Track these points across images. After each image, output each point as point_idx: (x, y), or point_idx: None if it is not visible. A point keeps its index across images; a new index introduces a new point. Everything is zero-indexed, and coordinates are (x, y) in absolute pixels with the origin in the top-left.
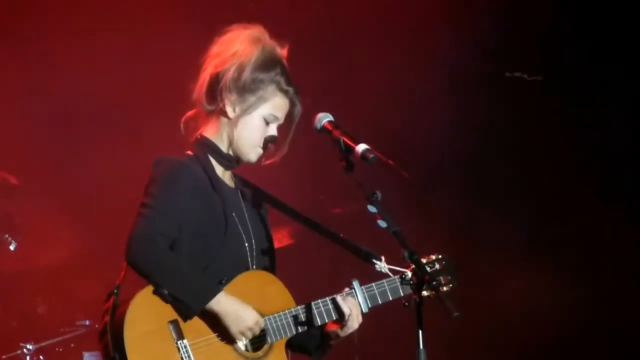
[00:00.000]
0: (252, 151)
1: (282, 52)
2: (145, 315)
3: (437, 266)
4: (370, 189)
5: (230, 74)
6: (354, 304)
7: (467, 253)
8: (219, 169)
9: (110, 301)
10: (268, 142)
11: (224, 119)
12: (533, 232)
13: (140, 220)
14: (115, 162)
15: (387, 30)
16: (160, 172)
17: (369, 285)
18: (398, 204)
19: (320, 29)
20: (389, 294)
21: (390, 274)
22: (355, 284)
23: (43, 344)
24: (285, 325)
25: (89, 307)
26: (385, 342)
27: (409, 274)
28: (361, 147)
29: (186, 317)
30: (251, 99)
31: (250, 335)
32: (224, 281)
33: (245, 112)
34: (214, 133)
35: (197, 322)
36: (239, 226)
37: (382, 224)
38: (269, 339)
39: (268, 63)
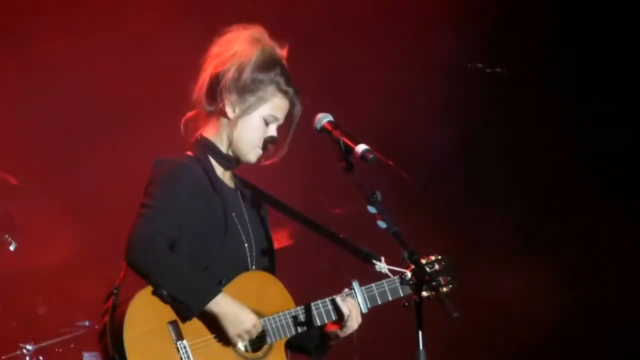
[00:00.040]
0: (251, 152)
1: (282, 52)
2: (145, 315)
3: (437, 267)
4: (370, 189)
5: (230, 75)
6: (354, 305)
7: (467, 253)
8: (218, 170)
9: (109, 301)
10: (268, 142)
11: (224, 120)
12: (533, 232)
13: (140, 221)
14: (115, 162)
15: (387, 30)
16: (160, 172)
17: (369, 285)
18: (397, 204)
19: (320, 29)
20: (388, 294)
21: (389, 274)
22: (355, 284)
23: (43, 344)
24: (285, 326)
25: (88, 307)
26: (385, 342)
27: (409, 274)
28: (361, 148)
29: (185, 317)
30: (251, 99)
31: (247, 338)
32: (223, 282)
33: (245, 112)
34: (214, 133)
35: (196, 323)
36: (239, 227)
37: (382, 224)
38: (268, 340)
39: (268, 63)
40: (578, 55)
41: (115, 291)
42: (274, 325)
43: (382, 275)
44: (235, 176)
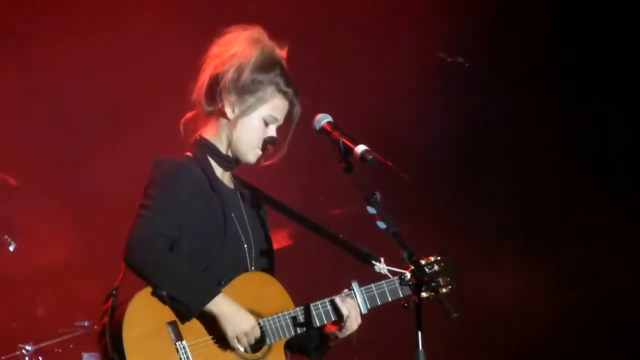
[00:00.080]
0: (251, 152)
1: (282, 53)
2: (144, 316)
3: (436, 268)
4: (369, 190)
5: (229, 75)
6: (353, 305)
7: (466, 253)
8: (218, 170)
9: (109, 302)
10: (267, 143)
11: (223, 120)
12: (533, 232)
13: (139, 222)
14: (115, 162)
15: (386, 30)
16: (159, 173)
17: (368, 286)
18: (397, 204)
19: (320, 29)
20: (388, 295)
21: (389, 275)
22: (355, 285)
23: (42, 344)
24: (284, 327)
25: (88, 308)
26: (384, 343)
27: (408, 275)
28: (360, 148)
29: (185, 318)
30: (250, 100)
31: (245, 340)
32: (222, 282)
33: (244, 113)
34: (213, 134)
35: (195, 324)
36: (238, 227)
37: (382, 225)
38: (267, 340)
39: (267, 64)
40: (578, 55)
41: (114, 292)
42: (273, 326)
43: (381, 276)
44: (234, 177)
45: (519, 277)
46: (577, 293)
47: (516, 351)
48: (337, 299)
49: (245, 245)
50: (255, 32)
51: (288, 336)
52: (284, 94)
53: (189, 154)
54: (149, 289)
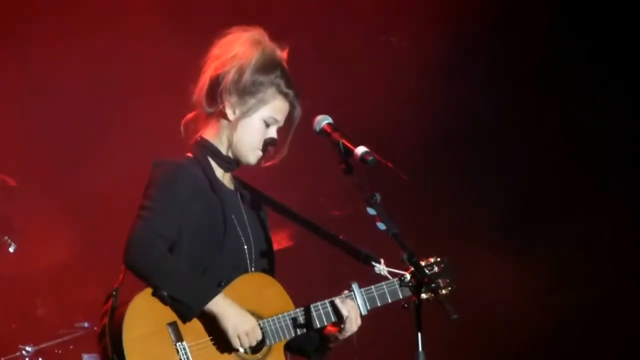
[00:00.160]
0: (251, 153)
1: (282, 54)
2: (144, 317)
3: (436, 269)
4: (369, 191)
5: (230, 77)
6: (353, 307)
7: (467, 253)
8: (218, 171)
9: (109, 303)
10: (268, 144)
11: (224, 121)
12: (532, 232)
13: (138, 223)
14: (115, 163)
15: (386, 31)
16: (159, 174)
17: (368, 287)
18: (397, 205)
19: (320, 29)
20: (388, 296)
21: (389, 276)
22: (355, 286)
23: (42, 345)
24: (284, 328)
25: (88, 309)
26: (384, 344)
27: (408, 276)
28: (360, 150)
29: (186, 318)
30: (251, 101)
31: (246, 340)
32: (222, 283)
33: (245, 114)
34: (214, 135)
35: (195, 325)
36: (238, 228)
37: (381, 226)
38: (267, 341)
39: (268, 65)
40: (578, 55)
41: (114, 293)
42: (273, 327)
43: (381, 277)
44: (235, 178)
45: (519, 277)
46: (577, 293)
47: (516, 351)
48: (337, 300)
49: (245, 247)
50: (256, 33)
51: (288, 337)
52: (285, 95)
53: (189, 154)
54: (149, 290)
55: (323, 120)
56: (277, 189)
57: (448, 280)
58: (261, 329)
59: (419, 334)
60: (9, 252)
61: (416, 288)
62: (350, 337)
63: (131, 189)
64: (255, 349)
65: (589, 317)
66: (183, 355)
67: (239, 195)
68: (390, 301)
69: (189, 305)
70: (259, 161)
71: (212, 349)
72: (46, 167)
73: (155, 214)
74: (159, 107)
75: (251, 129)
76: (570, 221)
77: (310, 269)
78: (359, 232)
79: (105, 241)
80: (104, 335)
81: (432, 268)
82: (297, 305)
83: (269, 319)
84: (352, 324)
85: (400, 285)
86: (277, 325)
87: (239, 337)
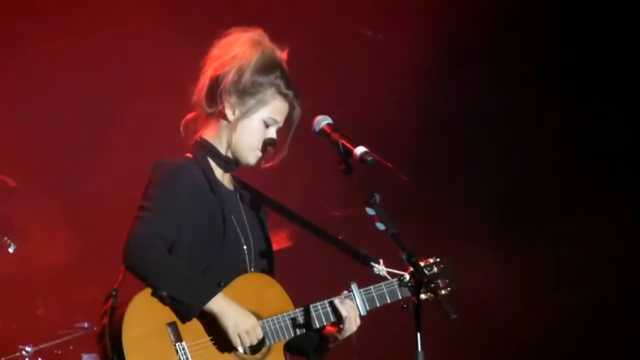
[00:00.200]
0: (251, 154)
1: (282, 55)
2: (144, 317)
3: (435, 269)
4: (368, 191)
5: (230, 77)
6: (352, 307)
7: (466, 253)
8: (218, 172)
9: (108, 303)
10: (267, 145)
11: (224, 122)
12: (532, 232)
13: (138, 223)
14: (115, 164)
15: (386, 31)
16: (158, 174)
17: (367, 288)
18: (396, 205)
19: (320, 30)
20: (387, 296)
21: (388, 277)
22: (354, 286)
23: (42, 346)
24: (284, 328)
25: (87, 309)
26: (383, 344)
27: (407, 276)
28: (360, 150)
29: (185, 318)
30: (251, 102)
31: (247, 339)
32: (222, 284)
33: (244, 115)
34: (214, 135)
35: (195, 325)
36: (238, 229)
37: (381, 226)
38: (267, 342)
39: (268, 66)
40: (578, 55)
41: (114, 293)
42: (272, 327)
43: (380, 278)
44: (234, 178)
45: (519, 277)
46: (577, 293)
47: (516, 351)
48: (336, 301)
49: (245, 247)
50: (256, 34)
51: (287, 337)
52: (285, 96)
53: (188, 155)
54: (148, 290)
55: (322, 121)
56: (276, 189)
57: (447, 281)
58: (261, 329)
59: (418, 334)
60: (9, 252)
61: (415, 288)
62: (350, 337)
63: (131, 190)
64: (255, 349)
65: (589, 317)
66: (182, 355)
67: (238, 196)
68: (389, 301)
69: (188, 305)
70: (259, 162)
71: (212, 349)
72: (46, 168)
73: (154, 215)
74: (159, 107)
75: (251, 129)
76: (570, 221)
77: (310, 269)
78: (358, 233)
79: (105, 241)
80: (103, 336)
81: (432, 268)
82: (296, 306)
83: (269, 319)
84: (352, 324)
85: (400, 286)
86: (277, 326)
87: (239, 336)
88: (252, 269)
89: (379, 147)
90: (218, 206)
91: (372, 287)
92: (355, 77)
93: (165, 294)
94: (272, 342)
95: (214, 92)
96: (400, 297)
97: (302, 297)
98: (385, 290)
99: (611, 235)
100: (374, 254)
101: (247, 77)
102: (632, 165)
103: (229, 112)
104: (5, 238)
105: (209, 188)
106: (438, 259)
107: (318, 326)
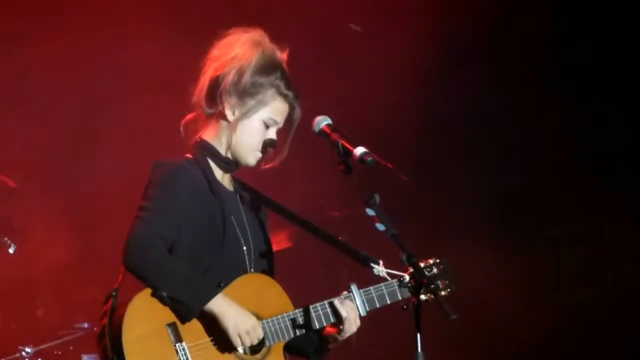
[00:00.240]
0: (251, 155)
1: (282, 56)
2: (144, 317)
3: (435, 270)
4: (368, 191)
5: (230, 78)
6: (352, 308)
7: (466, 253)
8: (218, 172)
9: (108, 304)
10: (267, 145)
11: (224, 122)
12: (533, 233)
13: (138, 224)
14: (115, 164)
15: (386, 31)
16: (158, 175)
17: (367, 288)
18: (396, 205)
19: (320, 30)
20: (387, 297)
21: (388, 277)
22: (354, 287)
23: (42, 346)
24: (284, 329)
25: (87, 309)
26: (383, 345)
27: (407, 277)
28: (359, 150)
29: (185, 318)
30: (251, 102)
31: (247, 339)
32: (222, 284)
33: (244, 115)
34: (214, 136)
35: (195, 325)
36: (237, 229)
37: (381, 226)
38: (267, 342)
39: (268, 67)
40: (578, 55)
41: (114, 293)
42: (272, 328)
43: (380, 278)
44: (234, 179)
45: (519, 277)
46: (577, 293)
47: (516, 351)
48: (336, 301)
49: (245, 247)
50: (256, 34)
51: (287, 338)
52: (285, 97)
53: (188, 155)
54: (148, 291)
55: (322, 121)
56: (276, 190)
57: (447, 282)
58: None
59: (418, 335)
60: (9, 253)
61: (415, 289)
62: (349, 338)
63: (131, 190)
64: (255, 350)
65: (589, 317)
66: (182, 355)
67: (238, 197)
68: (389, 302)
69: (188, 306)
70: (259, 162)
71: (212, 349)
72: (46, 168)
73: (154, 215)
74: (159, 107)
75: (251, 130)
76: (570, 221)
77: (310, 270)
78: (358, 233)
79: (105, 242)
80: (103, 336)
81: (431, 269)
82: (296, 306)
83: (268, 320)
84: (351, 325)
85: (400, 287)
86: (277, 326)
87: (239, 336)
88: (252, 270)
89: (379, 147)
90: (218, 207)
91: (371, 287)
92: (355, 77)
93: (165, 294)
94: (272, 342)
95: (214, 93)
96: (400, 298)
97: (302, 297)
98: (385, 291)
99: (611, 235)
100: (373, 254)
101: (247, 78)
102: (632, 165)
103: (228, 113)
104: (6, 239)
105: (209, 189)
106: (438, 260)
107: (318, 327)
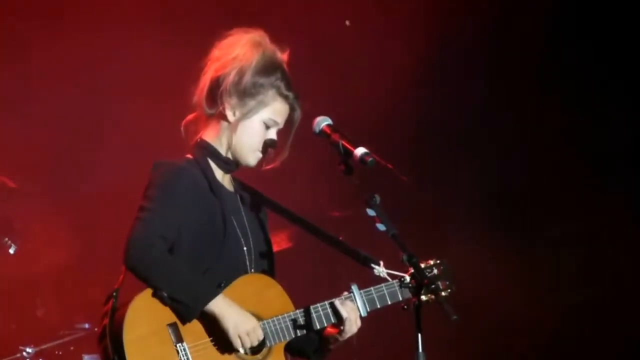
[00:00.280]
0: (251, 155)
1: (283, 56)
2: (144, 318)
3: (436, 271)
4: (369, 192)
5: (230, 78)
6: (353, 308)
7: (466, 253)
8: (218, 173)
9: (109, 304)
10: (268, 146)
11: (224, 123)
12: (533, 233)
13: (138, 224)
14: (115, 164)
15: (386, 31)
16: (158, 175)
17: (368, 289)
18: (397, 206)
19: (320, 30)
20: (387, 298)
21: (388, 278)
22: (354, 288)
23: (43, 347)
24: (284, 329)
25: (88, 310)
26: (384, 345)
27: (408, 278)
28: (360, 151)
29: (185, 319)
30: (251, 103)
31: (247, 340)
32: (222, 285)
33: (245, 116)
34: (214, 137)
35: (195, 325)
36: (238, 230)
37: (381, 227)
38: (267, 343)
39: (268, 68)
40: (578, 55)
41: (114, 294)
42: (273, 328)
43: (381, 279)
44: (234, 179)
45: (519, 277)
46: (577, 293)
47: (516, 351)
48: (337, 302)
49: (245, 248)
50: (257, 35)
51: (288, 338)
52: (285, 97)
53: (189, 156)
54: (149, 291)
55: (322, 122)
56: (276, 190)
57: (447, 282)
58: (261, 330)
59: (419, 335)
60: (10, 253)
61: (416, 289)
62: (350, 338)
63: (131, 190)
64: (255, 350)
65: (589, 317)
66: (183, 356)
67: (238, 197)
68: (389, 303)
69: (189, 306)
70: (259, 163)
71: (212, 350)
72: (46, 168)
73: (154, 215)
74: (159, 108)
75: (251, 130)
76: (570, 221)
77: (310, 270)
78: (358, 234)
79: (105, 242)
80: (104, 336)
81: (432, 270)
82: (296, 307)
83: (269, 320)
84: (352, 326)
85: (400, 287)
86: (277, 327)
87: (239, 337)
88: (253, 270)
89: (379, 147)
90: (218, 207)
91: (372, 288)
92: (355, 78)
93: (165, 294)
94: (273, 343)
95: (215, 93)
96: (400, 299)
97: (302, 298)
98: (385, 291)
99: (611, 235)
100: (374, 255)
101: (247, 79)
102: (632, 165)
103: (229, 113)
104: (6, 239)
105: (209, 189)
106: (438, 261)
107: (318, 327)
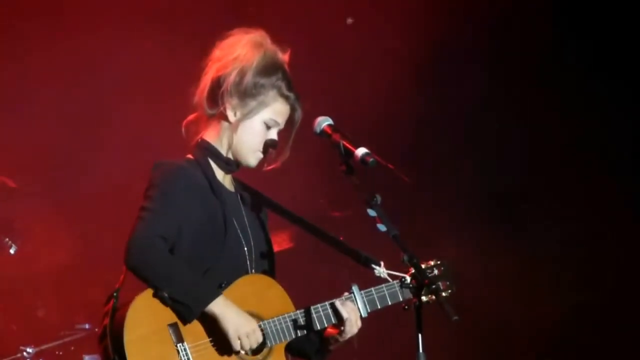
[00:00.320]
0: (252, 155)
1: (284, 57)
2: (145, 318)
3: (436, 272)
4: (370, 192)
5: (231, 78)
6: (353, 309)
7: (466, 253)
8: (219, 173)
9: (109, 304)
10: (268, 146)
11: (225, 123)
12: (533, 233)
13: (139, 224)
14: (115, 164)
15: (386, 31)
16: (159, 175)
17: (368, 290)
18: (397, 206)
19: (320, 31)
20: (388, 298)
21: (389, 278)
22: (355, 288)
23: (43, 347)
24: (285, 329)
25: (88, 310)
26: (385, 345)
27: (408, 278)
28: (361, 151)
29: (186, 319)
30: (252, 103)
31: (247, 342)
32: (223, 285)
33: (246, 116)
34: (215, 137)
35: (196, 326)
36: (238, 230)
37: (382, 227)
38: (268, 343)
39: (269, 68)
40: (578, 55)
41: (115, 294)
42: (273, 329)
43: (381, 279)
44: (235, 180)
45: (520, 277)
46: (577, 293)
47: (516, 351)
48: (337, 302)
49: (246, 248)
50: (258, 35)
51: (289, 339)
52: (286, 98)
53: (189, 156)
54: (149, 291)
55: (323, 122)
56: (277, 191)
57: (448, 283)
58: (262, 330)
59: (420, 336)
60: (10, 253)
61: (416, 290)
62: (351, 339)
63: (131, 190)
64: (256, 351)
65: (589, 317)
66: (184, 356)
67: (239, 197)
68: (390, 303)
69: (189, 307)
70: (260, 163)
71: (213, 350)
72: (46, 169)
73: (155, 215)
74: (159, 108)
75: (252, 130)
76: (570, 221)
77: (311, 271)
78: (359, 234)
79: (106, 242)
80: (105, 336)
81: (432, 271)
82: (297, 307)
83: (270, 321)
84: (352, 326)
85: (401, 287)
86: (278, 327)
87: (239, 339)
88: (253, 270)
89: (379, 147)
90: (219, 207)
91: (373, 288)
92: (355, 78)
93: (166, 294)
94: (273, 343)
95: (215, 94)
96: (401, 299)
97: (302, 298)
98: (386, 291)
99: (611, 235)
100: (374, 255)
101: (248, 79)
102: (632, 165)
103: (230, 114)
104: (6, 239)
105: (210, 189)
106: (439, 262)
107: (319, 328)
